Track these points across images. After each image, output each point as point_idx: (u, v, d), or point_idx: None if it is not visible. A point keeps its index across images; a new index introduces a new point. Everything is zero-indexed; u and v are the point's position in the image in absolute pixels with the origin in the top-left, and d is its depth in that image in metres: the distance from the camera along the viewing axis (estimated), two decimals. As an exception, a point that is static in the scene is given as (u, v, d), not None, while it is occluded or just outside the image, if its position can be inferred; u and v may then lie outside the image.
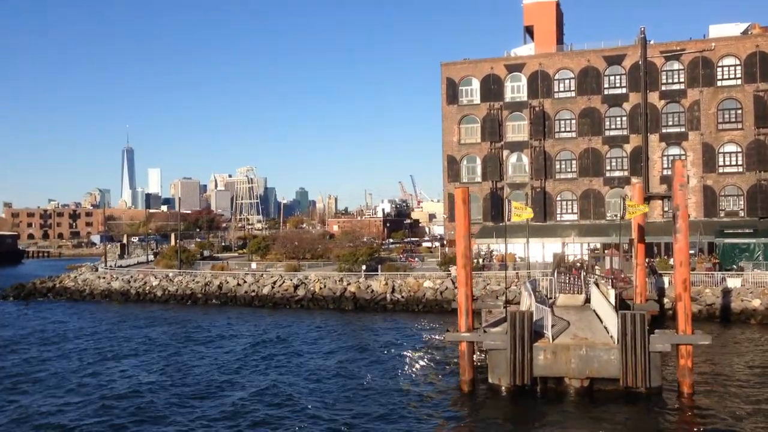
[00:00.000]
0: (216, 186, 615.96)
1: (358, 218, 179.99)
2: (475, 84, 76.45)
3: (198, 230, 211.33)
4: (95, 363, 38.33)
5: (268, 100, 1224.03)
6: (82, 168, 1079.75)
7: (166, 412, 28.17)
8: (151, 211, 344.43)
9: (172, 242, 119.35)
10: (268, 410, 28.11)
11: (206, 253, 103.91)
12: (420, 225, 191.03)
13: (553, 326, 30.10)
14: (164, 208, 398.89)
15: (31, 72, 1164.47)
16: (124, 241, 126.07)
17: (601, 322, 31.98)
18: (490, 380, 29.29)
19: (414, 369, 34.67)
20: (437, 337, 42.43)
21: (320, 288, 60.37)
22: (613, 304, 31.90)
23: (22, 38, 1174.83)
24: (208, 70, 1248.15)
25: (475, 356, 33.61)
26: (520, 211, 32.37)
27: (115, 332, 48.74)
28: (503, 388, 28.70)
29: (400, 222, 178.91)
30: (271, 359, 38.13)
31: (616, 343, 28.04)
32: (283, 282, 62.42)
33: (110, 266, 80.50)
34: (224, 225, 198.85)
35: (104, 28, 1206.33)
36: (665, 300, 49.53)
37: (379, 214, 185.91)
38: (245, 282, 63.74)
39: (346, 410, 27.96)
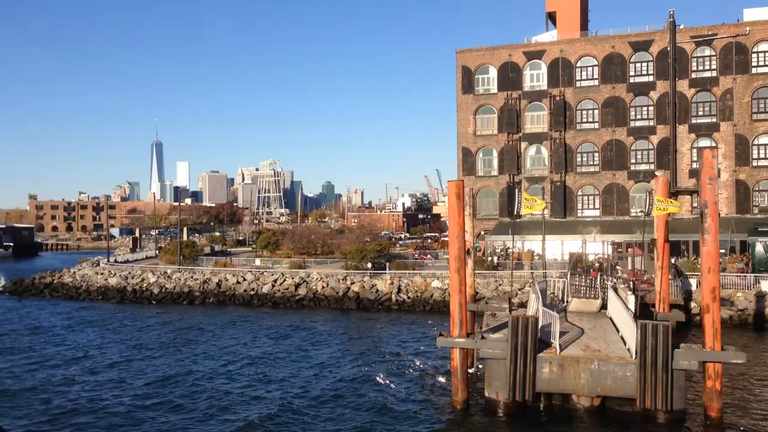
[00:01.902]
0: (243, 179, 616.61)
1: (378, 213, 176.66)
2: (492, 72, 72.37)
3: (215, 224, 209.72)
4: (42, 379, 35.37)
5: (297, 94, 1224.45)
6: (113, 161, 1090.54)
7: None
8: (173, 204, 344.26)
9: (184, 236, 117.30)
10: (239, 423, 24.89)
11: (217, 247, 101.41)
12: (441, 219, 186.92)
13: (561, 334, 26.45)
14: (188, 201, 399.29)
15: (64, 68, 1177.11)
16: (137, 234, 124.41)
17: (618, 331, 28.20)
18: (486, 394, 25.75)
19: (405, 378, 31.22)
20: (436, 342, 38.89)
21: (322, 287, 57.07)
22: (633, 311, 28.05)
23: (53, 37, 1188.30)
24: (237, 65, 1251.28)
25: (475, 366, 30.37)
26: (530, 203, 28.60)
27: (88, 337, 45.88)
28: (501, 403, 25.16)
29: (423, 216, 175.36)
30: (250, 366, 34.88)
31: (633, 357, 24.34)
32: (284, 280, 59.19)
33: (113, 261, 78.03)
34: (246, 218, 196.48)
35: (130, 21, 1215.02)
36: (692, 305, 45.36)
37: (399, 209, 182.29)
38: (245, 280, 60.58)
39: (322, 426, 24.61)
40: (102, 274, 68.37)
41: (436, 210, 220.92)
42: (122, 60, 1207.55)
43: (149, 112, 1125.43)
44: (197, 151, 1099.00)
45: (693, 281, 47.58)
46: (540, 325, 26.79)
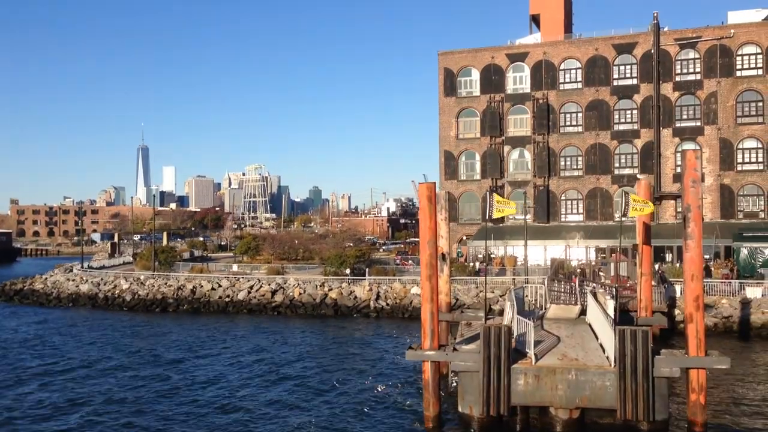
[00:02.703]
0: (230, 184, 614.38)
1: (362, 217, 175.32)
2: (475, 75, 71.31)
3: (198, 229, 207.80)
4: None
5: (285, 99, 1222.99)
6: (99, 166, 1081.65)
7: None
8: (158, 208, 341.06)
9: (164, 241, 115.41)
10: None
11: (197, 252, 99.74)
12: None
13: (537, 343, 25.13)
14: (173, 205, 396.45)
15: (49, 72, 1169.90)
16: (116, 239, 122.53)
17: (597, 338, 26.94)
18: (459, 409, 24.31)
19: (377, 390, 29.75)
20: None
21: (299, 293, 55.57)
22: (612, 317, 26.75)
23: (36, 39, 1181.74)
24: (223, 69, 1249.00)
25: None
26: (502, 206, 27.27)
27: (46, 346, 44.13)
28: (475, 418, 23.65)
29: (406, 221, 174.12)
30: (213, 377, 33.37)
31: (612, 365, 23.06)
32: (261, 287, 57.55)
33: (88, 267, 76.08)
34: (228, 223, 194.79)
35: (118, 27, 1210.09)
36: (676, 312, 44.21)
37: (384, 213, 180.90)
38: (220, 286, 58.88)
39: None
40: (73, 280, 66.43)
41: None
42: (108, 64, 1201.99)
43: (135, 116, 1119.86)
44: (184, 155, 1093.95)
45: (678, 288, 46.46)
46: (515, 334, 25.49)
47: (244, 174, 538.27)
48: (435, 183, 25.40)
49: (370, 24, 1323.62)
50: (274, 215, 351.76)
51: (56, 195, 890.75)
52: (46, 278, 70.21)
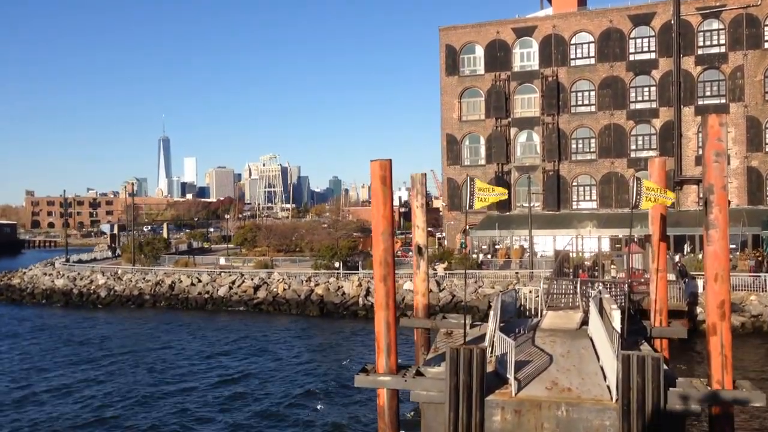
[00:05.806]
0: (250, 174, 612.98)
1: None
2: (479, 51, 65.95)
3: (210, 219, 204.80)
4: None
5: (306, 89, 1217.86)
6: (122, 158, 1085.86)
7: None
8: (174, 199, 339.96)
9: (165, 233, 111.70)
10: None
11: (196, 244, 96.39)
12: (440, 213, 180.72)
13: (523, 365, 20.27)
14: (189, 196, 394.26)
15: (71, 65, 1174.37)
16: (115, 231, 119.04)
17: (599, 359, 21.96)
18: (424, 450, 19.50)
19: (336, 414, 25.11)
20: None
21: (284, 289, 51.02)
22: (618, 331, 21.68)
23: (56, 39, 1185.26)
24: (244, 61, 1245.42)
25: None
26: (485, 194, 22.16)
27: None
28: (443, 462, 18.85)
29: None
30: (158, 389, 28.94)
31: (614, 399, 18.14)
32: (243, 282, 53.11)
33: (78, 260, 72.24)
34: (230, 213, 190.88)
35: (141, 19, 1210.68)
36: (698, 310, 39.06)
37: (396, 203, 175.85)
38: (200, 281, 54.53)
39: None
40: (50, 275, 62.53)
41: (436, 204, 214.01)
42: (128, 56, 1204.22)
43: (156, 107, 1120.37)
44: (204, 146, 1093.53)
45: (700, 282, 41.25)
46: (498, 352, 20.64)
47: (264, 164, 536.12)
48: (390, 160, 20.59)
49: (394, 13, 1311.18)
50: (293, 205, 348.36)
51: (80, 187, 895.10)
52: (24, 272, 66.51)
